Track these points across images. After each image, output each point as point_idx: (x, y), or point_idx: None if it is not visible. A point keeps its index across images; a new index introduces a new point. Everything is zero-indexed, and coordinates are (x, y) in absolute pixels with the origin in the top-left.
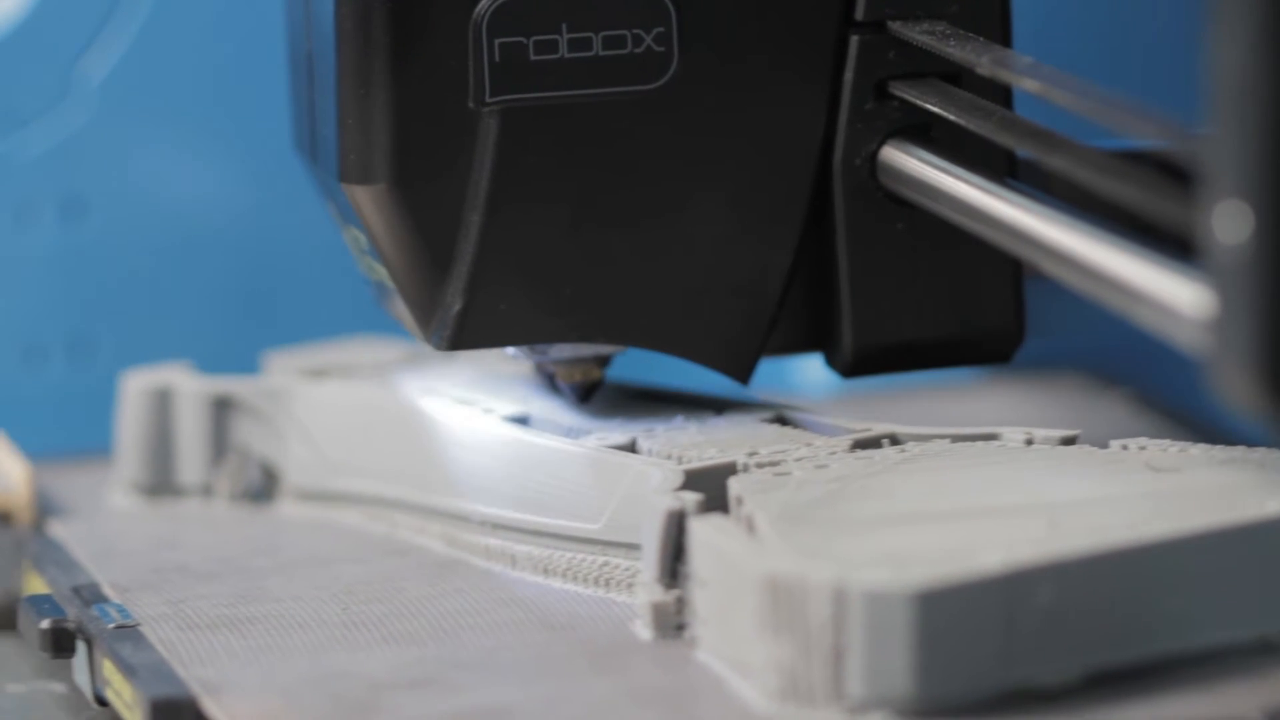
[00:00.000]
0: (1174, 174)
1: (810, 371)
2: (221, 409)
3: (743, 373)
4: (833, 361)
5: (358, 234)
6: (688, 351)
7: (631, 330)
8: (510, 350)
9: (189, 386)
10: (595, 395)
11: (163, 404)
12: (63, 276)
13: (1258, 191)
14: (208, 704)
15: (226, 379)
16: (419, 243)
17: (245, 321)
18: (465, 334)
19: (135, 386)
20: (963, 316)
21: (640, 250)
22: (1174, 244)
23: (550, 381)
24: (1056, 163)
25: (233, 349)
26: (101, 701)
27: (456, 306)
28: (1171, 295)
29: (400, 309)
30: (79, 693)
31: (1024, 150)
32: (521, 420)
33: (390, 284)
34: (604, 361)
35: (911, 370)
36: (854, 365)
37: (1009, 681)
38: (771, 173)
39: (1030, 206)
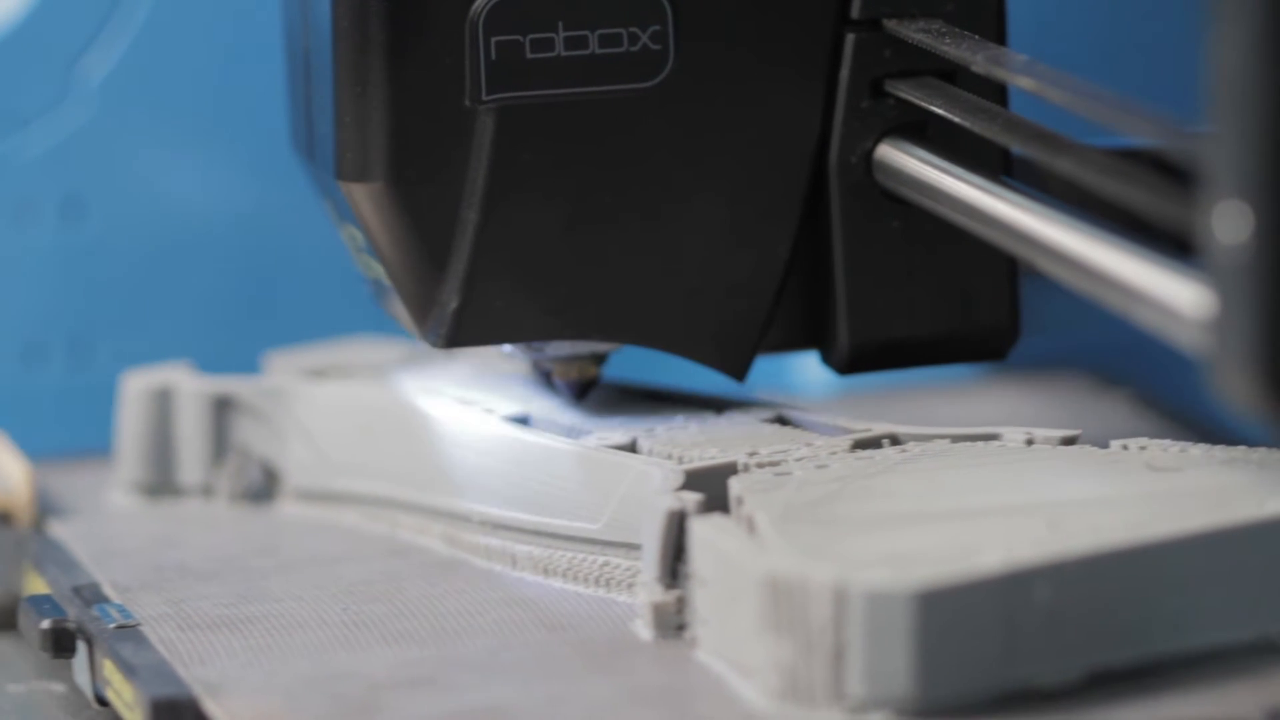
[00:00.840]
0: (1168, 172)
1: (810, 370)
2: (222, 409)
3: (739, 370)
4: (828, 359)
5: (355, 232)
6: (684, 349)
7: (627, 327)
8: (507, 348)
9: (189, 386)
10: (595, 394)
11: (163, 404)
12: (62, 276)
13: (1258, 191)
14: (208, 704)
15: (227, 379)
16: (416, 240)
17: (245, 322)
18: (462, 331)
19: (136, 386)
20: (958, 314)
21: (636, 248)
22: (1174, 244)
23: (547, 379)
24: (1053, 161)
25: (232, 349)
26: (102, 701)
27: (453, 304)
28: (1171, 295)
29: (397, 307)
30: (79, 693)
31: (1019, 148)
32: (522, 420)
33: (387, 282)
34: (600, 359)
35: (907, 367)
36: (850, 362)
37: (1009, 681)
38: (767, 170)
39: (1027, 205)
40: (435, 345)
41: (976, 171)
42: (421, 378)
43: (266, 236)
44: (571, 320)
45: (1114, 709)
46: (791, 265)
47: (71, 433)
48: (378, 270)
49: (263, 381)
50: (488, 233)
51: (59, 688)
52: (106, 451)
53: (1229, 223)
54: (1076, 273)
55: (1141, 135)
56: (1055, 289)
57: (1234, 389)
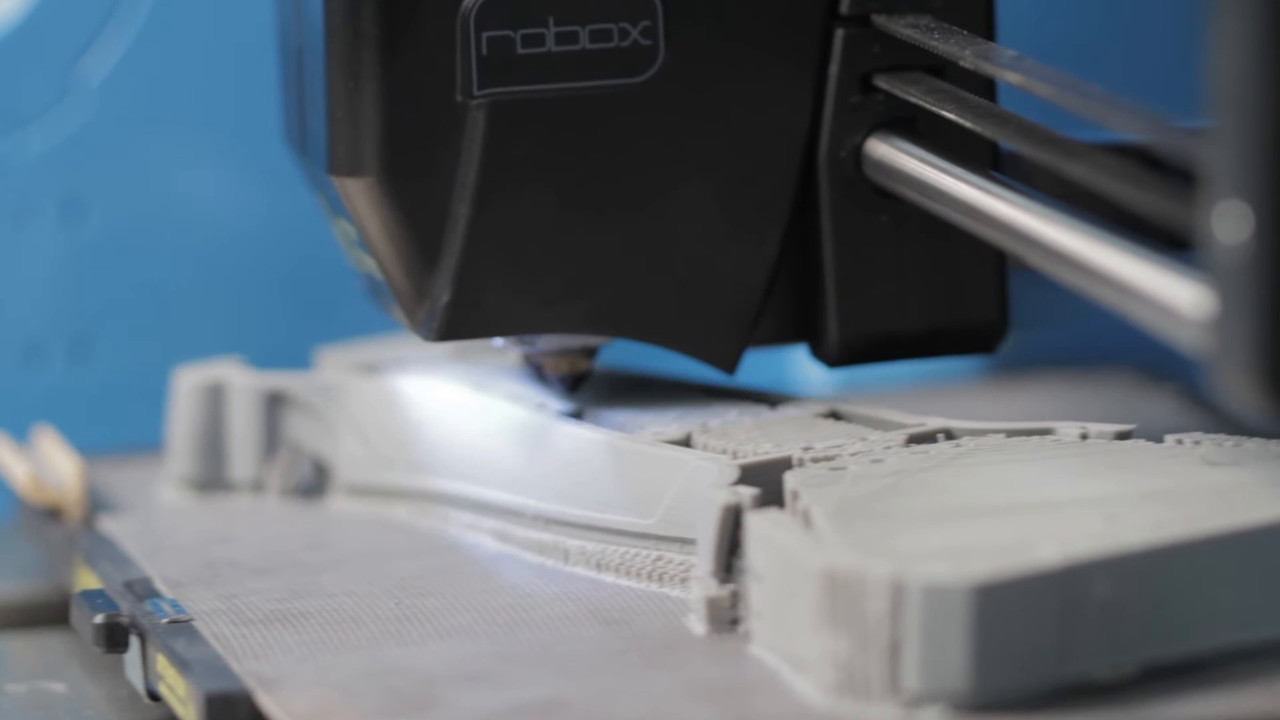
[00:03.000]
0: (1155, 167)
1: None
2: (273, 404)
3: (728, 363)
4: (818, 352)
5: (347, 226)
6: (674, 342)
7: (618, 321)
8: (498, 341)
9: (241, 382)
10: (649, 389)
11: (215, 399)
12: (63, 276)
13: (1258, 191)
14: (263, 698)
15: (279, 375)
16: (407, 234)
17: (243, 321)
18: (453, 325)
19: (188, 382)
20: (947, 307)
21: (627, 242)
22: (1164, 239)
23: (538, 372)
24: (1043, 156)
25: (231, 349)
26: (154, 696)
27: (445, 298)
28: (1171, 294)
29: (389, 301)
30: (79, 692)
31: (1008, 142)
32: (575, 415)
33: (379, 275)
34: (591, 353)
35: (897, 361)
36: (840, 356)
37: (1065, 675)
38: (757, 165)
39: (1015, 199)
40: (427, 339)
41: (966, 166)
42: (473, 373)
43: (266, 235)
44: (562, 314)
45: (1169, 704)
46: (781, 259)
47: (72, 433)
48: (370, 264)
49: (314, 377)
50: (479, 227)
51: (59, 687)
52: (143, 448)
53: (1229, 223)
54: (1067, 268)
55: (1129, 130)
56: None
57: (1234, 389)
